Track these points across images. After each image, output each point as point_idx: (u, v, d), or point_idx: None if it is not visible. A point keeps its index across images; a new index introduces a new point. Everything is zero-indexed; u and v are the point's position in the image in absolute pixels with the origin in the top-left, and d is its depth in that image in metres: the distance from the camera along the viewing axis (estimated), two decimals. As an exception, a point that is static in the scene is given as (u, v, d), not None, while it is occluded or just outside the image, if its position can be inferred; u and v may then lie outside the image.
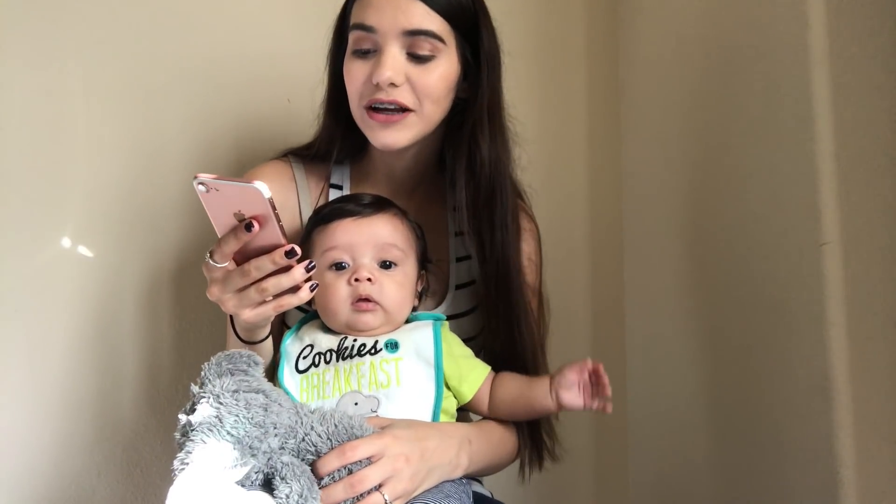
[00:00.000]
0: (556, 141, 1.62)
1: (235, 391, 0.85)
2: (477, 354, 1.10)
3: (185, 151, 1.43)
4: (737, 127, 1.22)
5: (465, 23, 1.07)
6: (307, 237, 1.05)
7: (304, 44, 1.27)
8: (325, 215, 1.04)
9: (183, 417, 0.84)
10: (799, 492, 1.07)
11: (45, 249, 1.38)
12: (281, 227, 0.86)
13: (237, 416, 0.83)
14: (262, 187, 0.83)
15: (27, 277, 1.37)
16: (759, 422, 1.16)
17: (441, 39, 1.05)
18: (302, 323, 1.06)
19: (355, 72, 1.06)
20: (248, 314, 0.91)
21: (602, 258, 1.62)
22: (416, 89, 1.05)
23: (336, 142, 1.14)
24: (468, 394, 1.02)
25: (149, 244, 1.41)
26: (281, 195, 1.12)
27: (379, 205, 1.04)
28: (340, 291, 0.99)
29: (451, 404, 1.01)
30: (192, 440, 0.81)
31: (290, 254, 0.87)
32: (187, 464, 0.80)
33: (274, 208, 0.84)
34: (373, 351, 0.98)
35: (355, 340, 0.99)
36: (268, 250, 0.87)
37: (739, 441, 1.22)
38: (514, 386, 1.04)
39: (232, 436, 0.82)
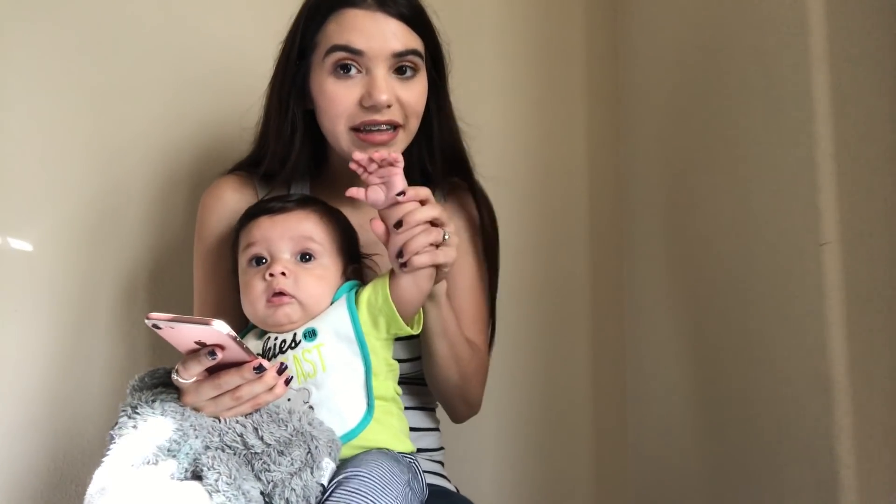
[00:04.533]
0: (557, 141, 1.62)
1: (153, 400, 0.90)
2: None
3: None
4: (736, 127, 1.22)
5: (431, 37, 1.12)
6: (235, 237, 1.06)
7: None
8: (248, 214, 1.05)
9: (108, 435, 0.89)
10: (799, 492, 1.07)
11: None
12: (245, 349, 0.88)
13: (152, 422, 0.87)
14: (221, 326, 0.84)
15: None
16: (758, 422, 1.16)
17: (421, 56, 1.09)
18: (245, 333, 1.06)
19: (341, 94, 1.06)
20: (226, 415, 0.92)
21: (602, 258, 1.62)
22: (403, 106, 1.07)
23: (296, 161, 1.13)
24: (401, 318, 0.99)
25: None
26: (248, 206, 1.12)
27: (300, 202, 1.05)
28: (257, 287, 1.00)
29: (387, 388, 1.01)
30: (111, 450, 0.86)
31: (258, 369, 0.89)
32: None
33: (234, 338, 0.86)
34: (293, 344, 0.98)
35: (276, 339, 1.00)
36: (235, 363, 0.90)
37: (739, 441, 1.21)
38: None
39: (148, 441, 0.85)
